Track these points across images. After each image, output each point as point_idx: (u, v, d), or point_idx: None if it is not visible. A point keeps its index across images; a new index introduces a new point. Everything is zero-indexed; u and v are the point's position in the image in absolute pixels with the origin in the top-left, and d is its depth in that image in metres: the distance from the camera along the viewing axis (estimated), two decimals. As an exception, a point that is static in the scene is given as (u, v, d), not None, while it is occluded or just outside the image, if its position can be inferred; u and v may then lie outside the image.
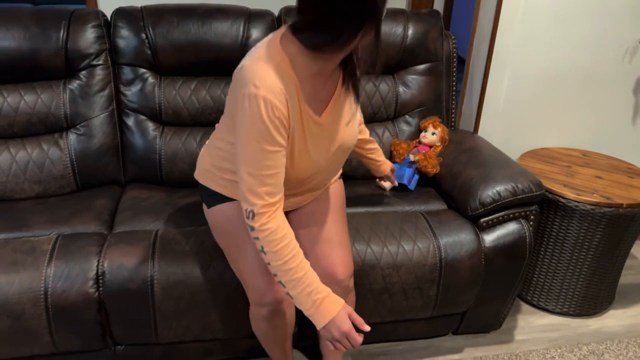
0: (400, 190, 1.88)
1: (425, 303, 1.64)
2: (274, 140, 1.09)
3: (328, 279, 1.38)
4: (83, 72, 1.78)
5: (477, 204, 1.65)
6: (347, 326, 1.14)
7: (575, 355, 1.80)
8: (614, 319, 2.00)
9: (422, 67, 2.00)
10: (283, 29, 1.14)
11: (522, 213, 1.68)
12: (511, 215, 1.67)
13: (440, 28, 2.00)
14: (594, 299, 1.97)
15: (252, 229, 1.14)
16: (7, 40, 1.69)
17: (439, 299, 1.64)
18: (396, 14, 1.97)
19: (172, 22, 1.80)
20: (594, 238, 1.83)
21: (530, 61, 2.07)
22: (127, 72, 1.82)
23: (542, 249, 1.94)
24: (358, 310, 1.60)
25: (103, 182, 1.83)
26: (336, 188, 1.53)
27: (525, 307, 2.04)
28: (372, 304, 1.61)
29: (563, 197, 1.81)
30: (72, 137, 1.78)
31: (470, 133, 2.09)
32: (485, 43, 2.09)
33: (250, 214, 1.13)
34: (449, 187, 1.80)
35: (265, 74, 1.07)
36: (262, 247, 1.14)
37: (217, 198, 1.38)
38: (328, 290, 1.17)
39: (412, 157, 1.89)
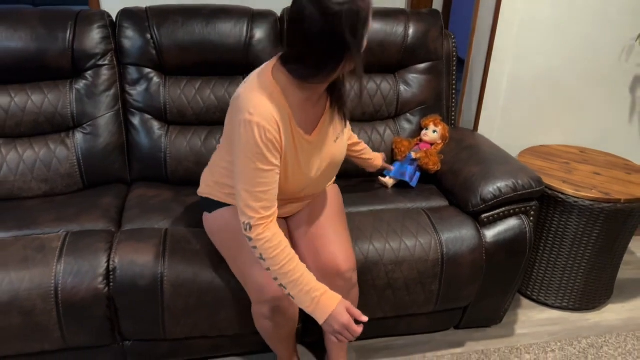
0: (402, 187, 1.91)
1: (427, 298, 1.67)
2: (268, 161, 1.21)
3: (331, 272, 1.42)
4: (89, 72, 1.81)
5: (478, 200, 1.68)
6: (346, 318, 1.23)
7: (575, 349, 1.83)
8: (612, 313, 2.04)
9: (422, 66, 2.03)
10: (274, 60, 1.26)
11: (523, 209, 1.71)
12: (512, 211, 1.70)
13: (440, 27, 2.03)
14: (593, 293, 2.01)
15: (250, 239, 1.25)
16: (14, 41, 1.72)
17: (441, 293, 1.67)
18: (397, 13, 2.00)
19: (177, 22, 1.83)
20: (592, 233, 1.86)
21: (529, 60, 2.10)
22: (132, 72, 1.85)
23: (542, 245, 1.97)
24: (362, 305, 1.63)
25: (109, 180, 1.86)
26: (331, 190, 1.60)
27: (525, 302, 2.07)
28: (376, 300, 1.64)
29: (562, 193, 1.84)
30: (78, 136, 1.80)
31: (470, 131, 2.13)
32: (484, 42, 2.12)
33: (248, 227, 1.24)
34: (451, 184, 1.83)
35: (259, 102, 1.19)
36: (260, 255, 1.25)
37: (217, 205, 1.48)
38: (325, 287, 1.26)
39: (413, 155, 1.91)
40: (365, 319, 1.25)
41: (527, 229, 1.69)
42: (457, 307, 1.78)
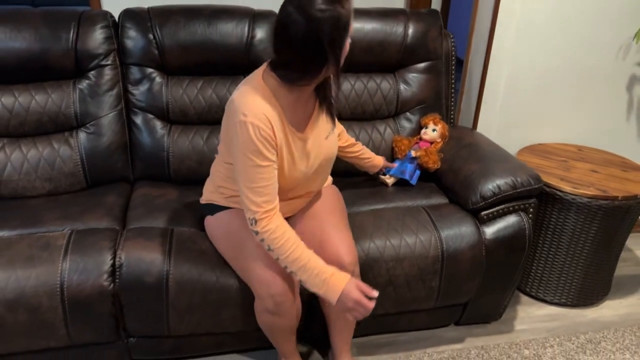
0: (402, 185, 1.93)
1: (428, 294, 1.69)
2: (264, 157, 1.29)
3: (334, 265, 1.45)
4: (92, 72, 1.83)
5: (477, 198, 1.71)
6: (357, 294, 1.30)
7: (573, 344, 1.86)
8: (610, 309, 2.06)
9: (422, 65, 2.05)
10: (264, 66, 1.35)
11: (522, 206, 1.73)
12: (511, 208, 1.72)
13: (439, 27, 2.05)
14: (590, 289, 2.03)
15: (257, 233, 1.33)
16: (18, 41, 1.73)
17: (442, 290, 1.69)
18: (397, 13, 2.02)
19: (179, 22, 1.85)
20: (590, 230, 1.88)
21: (527, 59, 2.12)
22: (135, 72, 1.86)
23: (540, 242, 2.00)
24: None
25: (112, 179, 1.88)
26: (331, 190, 1.66)
27: (524, 298, 2.10)
28: (377, 297, 1.65)
29: (560, 191, 1.87)
30: (82, 135, 1.82)
31: (469, 129, 2.15)
32: (483, 42, 2.14)
33: (253, 221, 1.32)
34: (450, 182, 1.85)
35: (252, 104, 1.27)
36: (268, 246, 1.32)
37: (218, 209, 1.55)
38: (333, 269, 1.33)
39: (413, 153, 1.94)
40: (375, 293, 1.31)
41: (526, 226, 1.71)
42: (458, 304, 1.80)
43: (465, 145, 1.95)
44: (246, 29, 1.89)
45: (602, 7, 2.09)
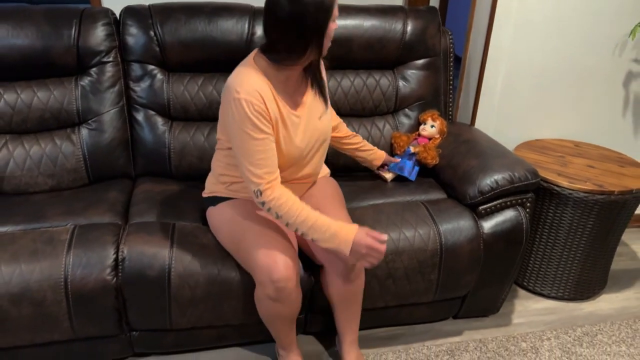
0: (401, 181, 1.95)
1: (427, 287, 1.71)
2: (260, 130, 1.36)
3: (330, 257, 1.49)
4: (94, 69, 1.84)
5: (475, 192, 1.73)
6: (369, 240, 1.36)
7: (570, 337, 1.88)
8: (606, 303, 2.09)
9: (420, 62, 2.07)
10: (256, 50, 1.44)
11: (519, 200, 1.75)
12: (508, 203, 1.74)
13: (438, 24, 2.07)
14: (587, 283, 2.06)
15: (263, 204, 1.39)
16: (20, 39, 1.74)
17: (441, 282, 1.71)
18: (396, 10, 2.04)
19: (180, 20, 1.86)
20: (587, 224, 1.91)
21: (525, 56, 2.15)
22: (136, 69, 1.88)
23: (538, 236, 2.02)
24: (365, 295, 1.67)
25: (114, 175, 1.89)
26: (327, 181, 1.70)
27: (522, 292, 2.12)
28: (377, 290, 1.68)
29: (557, 186, 1.89)
30: (84, 132, 1.83)
31: (467, 125, 2.17)
32: (481, 39, 2.17)
33: (258, 193, 1.38)
34: (449, 177, 1.87)
35: (243, 81, 1.36)
36: (276, 214, 1.39)
37: (220, 200, 1.59)
38: (341, 223, 1.40)
39: (412, 149, 1.96)
40: (385, 237, 1.38)
41: (524, 220, 1.74)
42: (456, 297, 1.82)
43: (463, 141, 1.97)
44: (246, 25, 1.91)
45: (598, 5, 2.11)
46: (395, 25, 2.01)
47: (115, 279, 1.48)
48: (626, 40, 2.20)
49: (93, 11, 1.86)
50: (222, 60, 1.91)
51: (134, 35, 1.86)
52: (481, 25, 2.16)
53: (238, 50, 1.91)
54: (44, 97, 1.80)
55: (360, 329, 1.86)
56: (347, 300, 1.56)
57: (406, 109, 2.09)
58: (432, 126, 2.01)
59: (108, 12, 1.87)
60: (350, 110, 2.04)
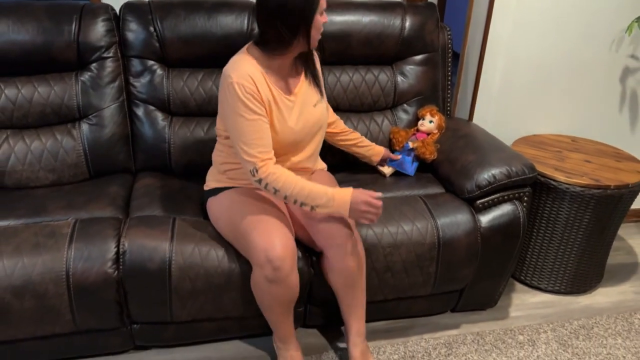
0: (400, 176, 1.97)
1: (425, 280, 1.73)
2: (252, 111, 1.42)
3: (329, 240, 1.52)
4: (94, 65, 1.85)
5: (473, 187, 1.74)
6: (365, 196, 1.44)
7: (566, 330, 1.90)
8: (602, 296, 2.11)
9: (419, 57, 2.09)
10: (250, 42, 1.51)
11: (516, 195, 1.77)
12: (506, 197, 1.76)
13: (436, 20, 2.08)
14: (583, 277, 2.08)
15: (260, 181, 1.45)
16: (21, 34, 1.75)
17: (438, 275, 1.73)
18: (394, 6, 2.05)
19: (180, 15, 1.87)
20: (583, 218, 1.92)
21: (523, 51, 2.16)
22: (136, 64, 1.89)
23: (535, 230, 2.04)
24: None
25: (114, 170, 1.90)
26: (324, 174, 1.73)
27: (519, 286, 2.14)
28: (376, 283, 1.70)
29: (554, 180, 1.90)
30: (84, 127, 1.85)
31: (465, 121, 2.18)
32: (479, 34, 2.18)
33: (254, 171, 1.44)
34: (447, 172, 1.89)
35: (236, 66, 1.44)
36: (273, 189, 1.44)
37: (220, 190, 1.62)
38: (336, 188, 1.47)
39: (410, 144, 1.97)
40: (379, 194, 1.46)
41: (521, 214, 1.75)
42: (454, 290, 1.84)
43: (461, 136, 1.99)
44: (246, 21, 1.92)
45: (595, 0, 2.12)
46: (393, 21, 2.02)
47: (116, 272, 1.50)
48: (623, 35, 2.22)
49: (93, 7, 1.87)
50: (221, 55, 1.92)
51: (134, 31, 1.87)
52: (479, 21, 2.18)
53: (237, 45, 1.91)
54: (45, 92, 1.81)
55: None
56: (348, 285, 1.56)
57: (405, 105, 2.10)
58: (431, 121, 2.03)
59: (108, 8, 1.88)
60: (349, 106, 2.06)
